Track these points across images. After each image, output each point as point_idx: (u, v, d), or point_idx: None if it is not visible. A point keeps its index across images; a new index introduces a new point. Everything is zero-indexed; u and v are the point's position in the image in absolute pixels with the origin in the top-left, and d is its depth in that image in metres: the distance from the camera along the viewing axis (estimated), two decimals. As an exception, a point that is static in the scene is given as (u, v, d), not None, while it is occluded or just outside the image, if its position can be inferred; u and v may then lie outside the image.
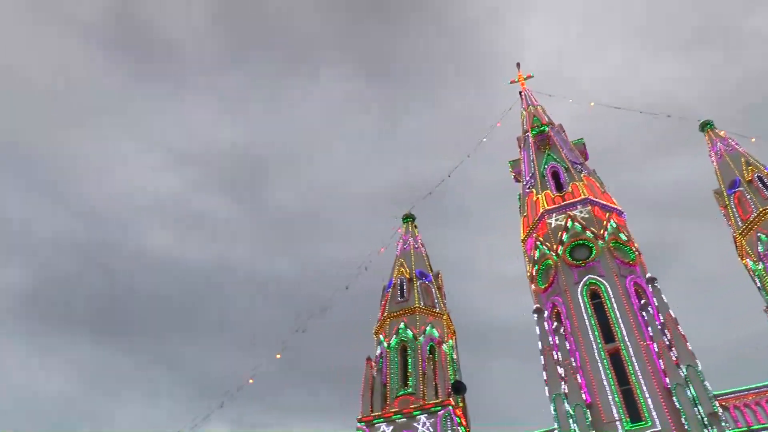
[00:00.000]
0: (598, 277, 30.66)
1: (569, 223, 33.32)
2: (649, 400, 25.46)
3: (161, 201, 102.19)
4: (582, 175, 36.45)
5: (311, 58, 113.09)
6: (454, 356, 33.69)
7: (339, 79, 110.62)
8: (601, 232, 32.64)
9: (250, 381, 31.54)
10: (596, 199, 34.69)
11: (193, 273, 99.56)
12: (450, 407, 28.86)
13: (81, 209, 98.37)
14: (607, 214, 33.88)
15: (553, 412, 26.24)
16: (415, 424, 28.70)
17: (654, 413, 25.08)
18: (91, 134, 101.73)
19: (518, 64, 48.16)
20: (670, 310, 28.16)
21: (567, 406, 26.09)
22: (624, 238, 32.63)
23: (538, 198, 35.83)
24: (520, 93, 45.69)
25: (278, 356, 32.65)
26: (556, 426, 25.90)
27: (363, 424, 29.53)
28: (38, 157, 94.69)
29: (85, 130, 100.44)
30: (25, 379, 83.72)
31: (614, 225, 33.17)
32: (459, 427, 28.68)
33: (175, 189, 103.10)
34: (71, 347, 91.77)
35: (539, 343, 29.14)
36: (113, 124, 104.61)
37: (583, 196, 34.58)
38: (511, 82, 47.06)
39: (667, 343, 26.87)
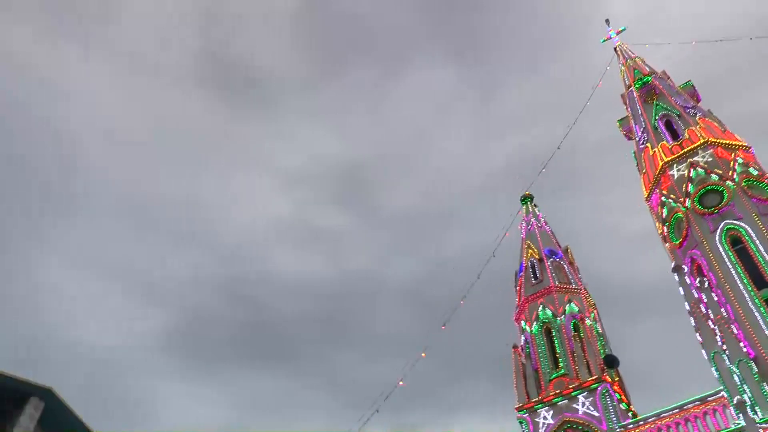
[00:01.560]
0: (735, 221, 28.97)
1: (693, 171, 31.76)
2: (821, 342, 23.58)
3: (281, 224, 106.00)
4: (697, 119, 34.64)
5: (399, 57, 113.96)
6: (600, 330, 33.16)
7: (431, 72, 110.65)
8: (730, 172, 30.89)
9: (401, 383, 32.23)
10: (717, 140, 32.82)
11: (324, 287, 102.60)
12: (606, 383, 28.50)
13: (209, 246, 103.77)
14: (733, 153, 32.01)
15: (714, 373, 24.93)
16: (574, 405, 28.54)
17: (829, 355, 23.27)
18: (206, 173, 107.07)
19: (607, 21, 46.33)
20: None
21: (729, 364, 24.64)
22: (756, 173, 30.72)
23: (654, 152, 34.34)
24: (615, 49, 44.07)
25: (423, 354, 33.21)
26: (722, 386, 24.57)
27: (522, 412, 29.66)
28: (162, 204, 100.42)
29: (199, 170, 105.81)
30: (190, 412, 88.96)
31: (742, 162, 31.28)
32: (619, 402, 28.27)
33: (293, 210, 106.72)
34: (225, 377, 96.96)
35: (685, 302, 28.03)
36: (224, 159, 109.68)
37: (702, 140, 32.80)
38: (605, 40, 45.42)
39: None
